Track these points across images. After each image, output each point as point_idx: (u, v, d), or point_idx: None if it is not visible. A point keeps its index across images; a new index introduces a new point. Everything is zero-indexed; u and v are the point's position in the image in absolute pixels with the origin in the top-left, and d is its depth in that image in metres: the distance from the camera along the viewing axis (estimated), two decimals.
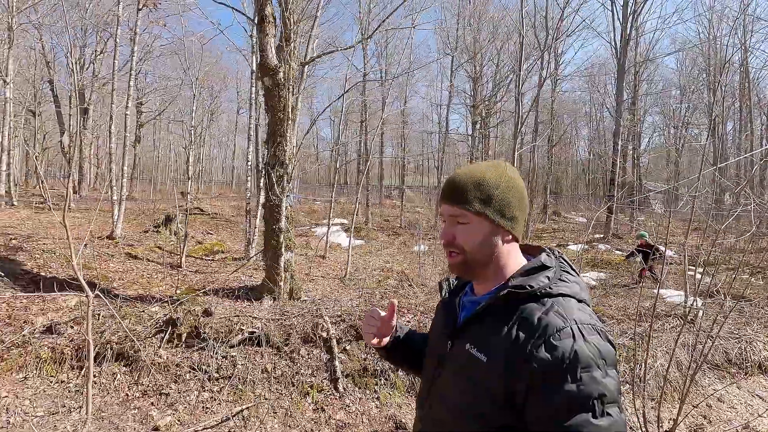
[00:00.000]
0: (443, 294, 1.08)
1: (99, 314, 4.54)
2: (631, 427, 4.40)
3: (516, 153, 9.49)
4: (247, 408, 3.71)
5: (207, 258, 7.19)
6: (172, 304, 4.65)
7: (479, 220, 0.91)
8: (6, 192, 14.19)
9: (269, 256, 5.04)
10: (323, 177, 47.29)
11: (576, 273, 0.95)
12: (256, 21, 4.98)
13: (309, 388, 3.95)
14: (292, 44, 5.02)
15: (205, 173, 41.80)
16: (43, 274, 5.33)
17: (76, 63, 18.61)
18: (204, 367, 4.08)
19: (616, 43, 15.01)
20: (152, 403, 3.86)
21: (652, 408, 4.50)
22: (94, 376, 4.06)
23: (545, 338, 0.79)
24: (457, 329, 0.95)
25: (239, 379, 4.00)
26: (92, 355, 3.20)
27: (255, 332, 4.34)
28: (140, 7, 8.38)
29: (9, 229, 9.03)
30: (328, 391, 3.99)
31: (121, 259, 6.42)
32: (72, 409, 3.73)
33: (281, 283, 4.99)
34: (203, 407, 3.81)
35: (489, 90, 20.44)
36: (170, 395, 3.91)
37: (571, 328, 0.79)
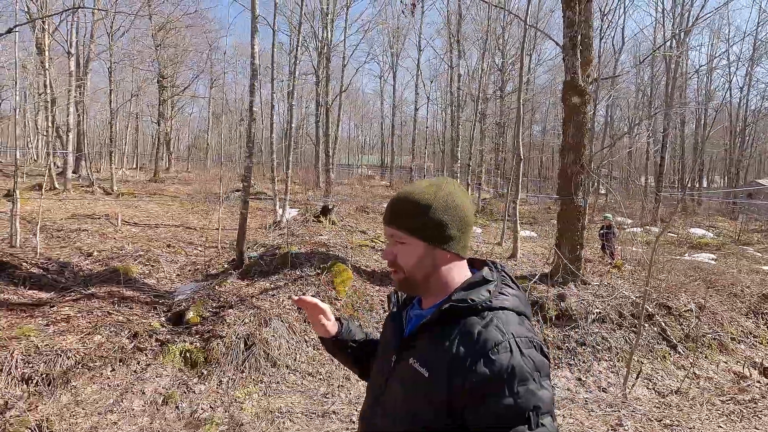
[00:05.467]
0: (392, 307, 1.09)
1: None
2: None
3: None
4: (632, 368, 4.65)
5: None
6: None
7: (414, 240, 0.93)
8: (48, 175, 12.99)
9: (568, 249, 5.94)
10: None
11: (517, 286, 0.96)
12: (564, 45, 5.69)
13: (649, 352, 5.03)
14: (591, 66, 5.82)
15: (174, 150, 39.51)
16: (356, 265, 5.77)
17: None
18: (583, 341, 4.96)
19: (667, 57, 17.12)
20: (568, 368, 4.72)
21: None
22: None
23: (484, 353, 0.81)
24: (402, 343, 0.97)
25: (613, 349, 4.95)
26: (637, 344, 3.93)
27: (601, 313, 5.28)
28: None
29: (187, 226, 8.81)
30: (669, 353, 5.05)
31: (368, 252, 6.86)
32: None
33: (579, 273, 5.92)
34: (608, 371, 4.74)
35: None
36: (575, 365, 4.79)
37: (509, 342, 0.81)
